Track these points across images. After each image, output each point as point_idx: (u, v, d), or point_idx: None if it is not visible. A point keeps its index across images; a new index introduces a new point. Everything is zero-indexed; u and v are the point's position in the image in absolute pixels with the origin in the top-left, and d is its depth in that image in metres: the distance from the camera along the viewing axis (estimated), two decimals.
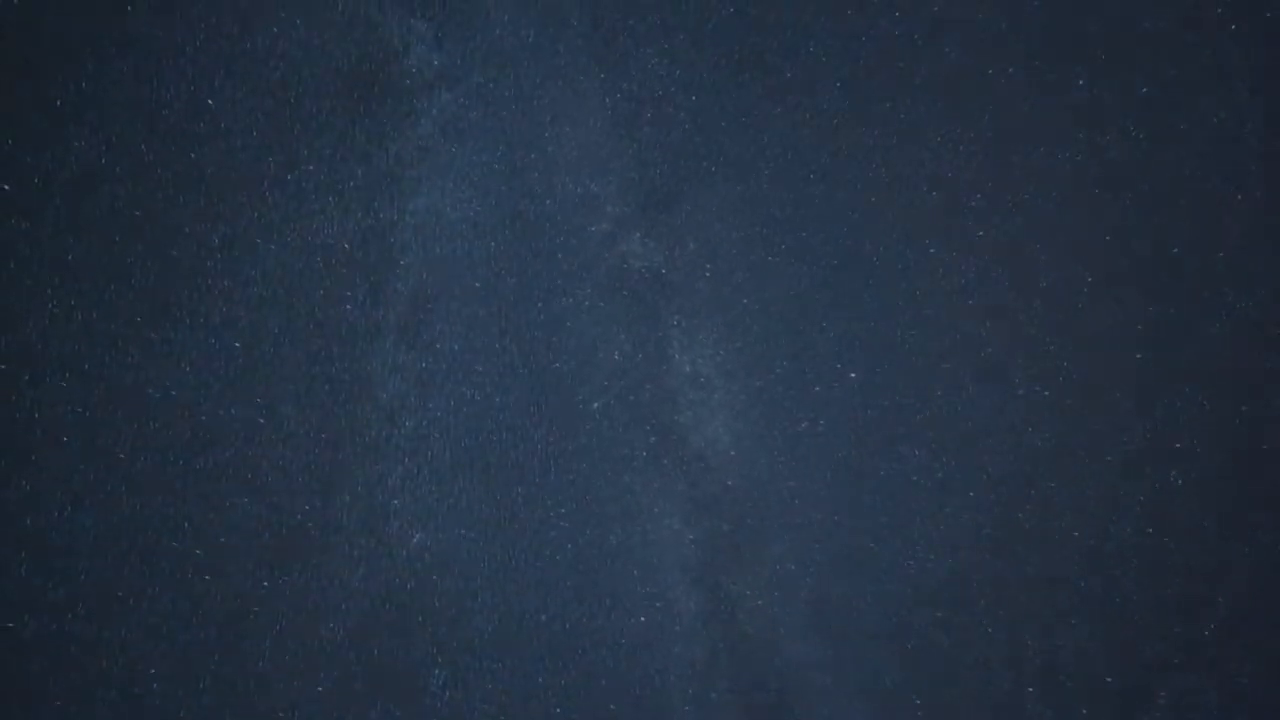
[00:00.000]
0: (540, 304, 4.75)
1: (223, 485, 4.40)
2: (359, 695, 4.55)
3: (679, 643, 5.20)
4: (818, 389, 5.17)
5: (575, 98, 4.65)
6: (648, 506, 5.09)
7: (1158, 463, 5.21)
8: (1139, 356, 5.17)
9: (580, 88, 4.67)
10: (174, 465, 4.38)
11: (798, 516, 5.32)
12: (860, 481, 5.35)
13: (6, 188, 3.40)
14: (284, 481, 4.51)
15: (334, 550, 4.56)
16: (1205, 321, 5.13)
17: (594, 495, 4.96)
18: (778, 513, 5.30)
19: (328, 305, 4.50)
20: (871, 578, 5.36)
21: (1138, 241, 5.20)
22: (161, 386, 4.35)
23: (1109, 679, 5.25)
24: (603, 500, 4.99)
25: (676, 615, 5.20)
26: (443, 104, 4.56)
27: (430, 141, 4.56)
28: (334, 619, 4.57)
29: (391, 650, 4.63)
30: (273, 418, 4.44)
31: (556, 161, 4.69)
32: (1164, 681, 5.28)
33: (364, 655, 4.59)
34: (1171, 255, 5.15)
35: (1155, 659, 5.27)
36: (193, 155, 4.21)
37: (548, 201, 4.69)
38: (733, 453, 5.19)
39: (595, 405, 4.83)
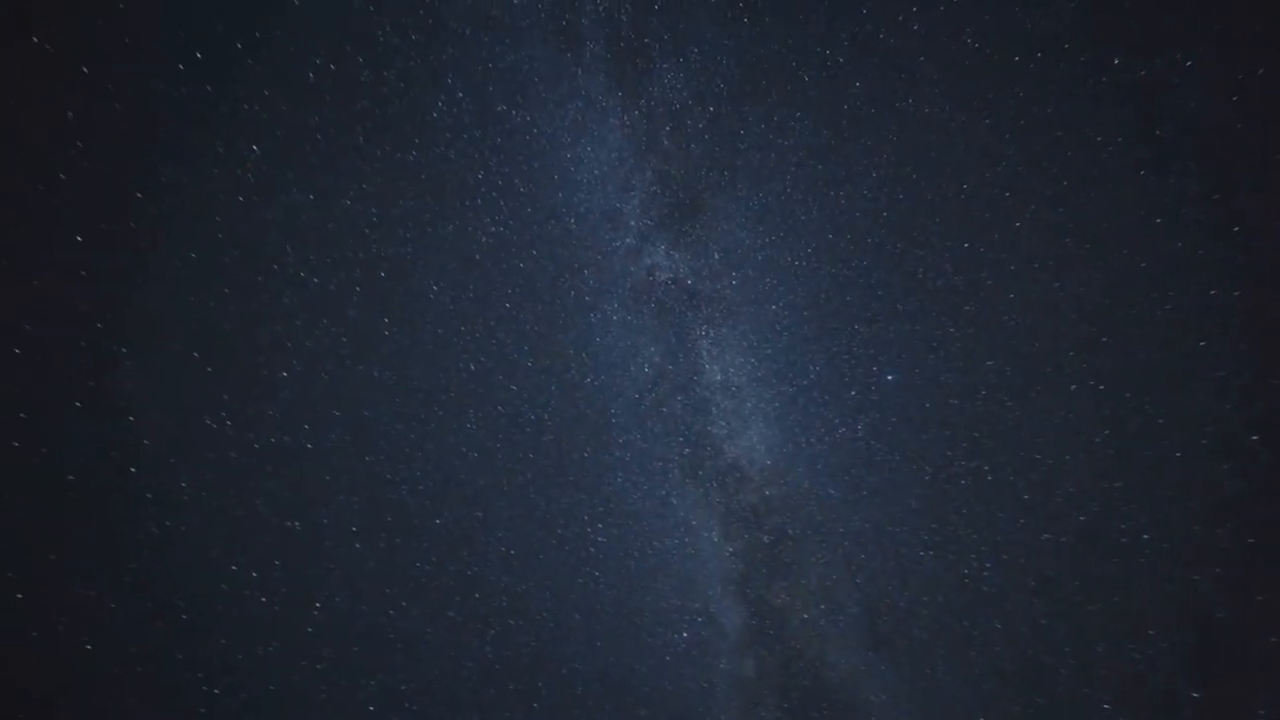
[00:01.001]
0: (569, 320, 4.77)
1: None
2: (406, 702, 4.57)
3: (725, 658, 5.04)
4: (854, 393, 5.00)
5: (595, 116, 4.70)
6: (685, 519, 4.99)
7: (1224, 459, 4.80)
8: (1202, 345, 4.80)
9: (599, 107, 4.72)
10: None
11: (841, 525, 5.11)
12: (906, 487, 5.12)
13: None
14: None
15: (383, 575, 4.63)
16: (1271, 310, 4.74)
17: (631, 509, 4.90)
18: (820, 522, 5.11)
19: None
20: (924, 587, 5.09)
21: (1191, 227, 4.86)
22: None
23: (1194, 693, 4.80)
24: (640, 514, 4.93)
25: (721, 630, 5.05)
26: (466, 129, 4.68)
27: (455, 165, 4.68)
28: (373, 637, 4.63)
29: (429, 667, 4.65)
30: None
31: (578, 180, 4.74)
32: (1254, 695, 4.79)
33: (409, 665, 4.63)
34: (1230, 243, 4.78)
35: (1236, 669, 4.80)
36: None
37: (571, 220, 4.74)
38: (769, 462, 5.05)
39: (628, 419, 4.79)
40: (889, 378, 4.92)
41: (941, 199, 4.97)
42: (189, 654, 4.56)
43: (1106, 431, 4.74)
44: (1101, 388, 4.81)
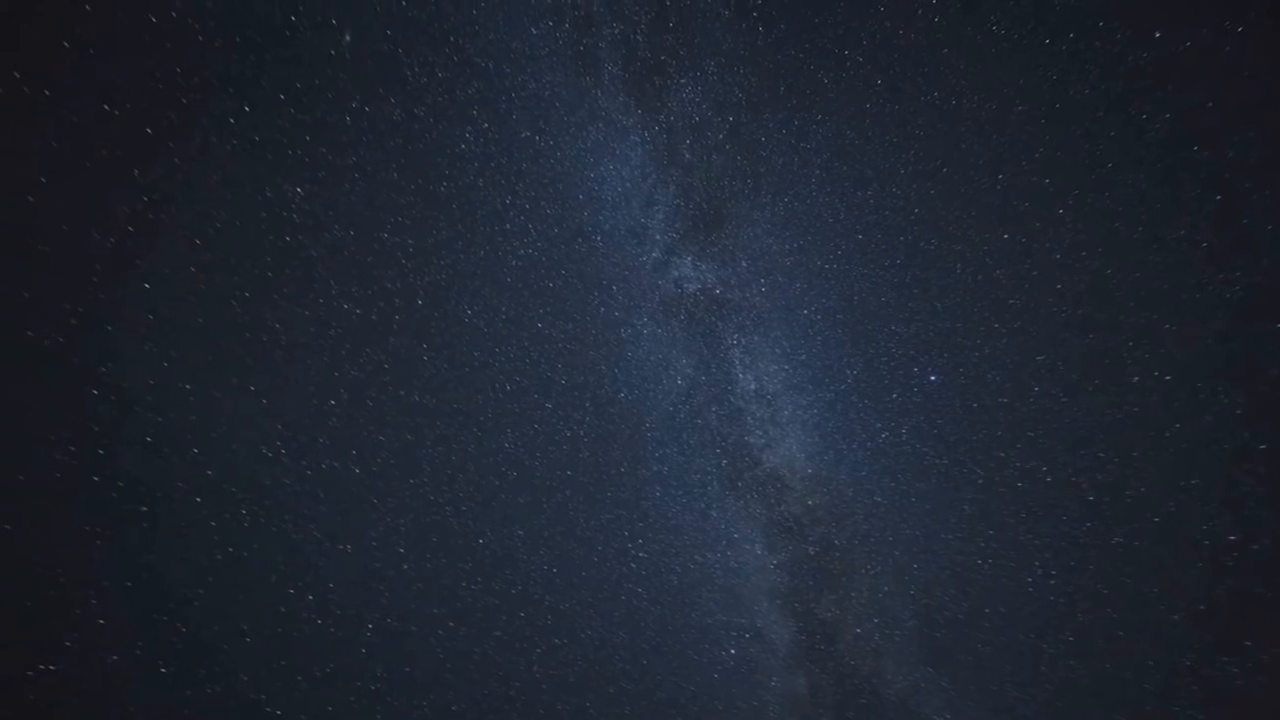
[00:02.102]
0: (600, 336, 4.76)
1: None
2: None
3: (776, 675, 4.83)
4: (895, 396, 4.78)
5: (616, 135, 4.73)
6: (726, 532, 4.85)
7: None
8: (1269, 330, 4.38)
9: (620, 125, 4.75)
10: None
11: (890, 534, 4.86)
12: (957, 492, 4.84)
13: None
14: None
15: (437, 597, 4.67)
16: None
17: (670, 523, 4.80)
18: (866, 532, 4.88)
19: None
20: (985, 597, 4.78)
21: (1256, 202, 4.48)
22: None
23: None
24: (680, 528, 4.82)
25: (770, 646, 4.86)
26: (493, 157, 4.78)
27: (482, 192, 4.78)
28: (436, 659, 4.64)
29: (479, 687, 4.63)
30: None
31: (603, 198, 4.77)
32: None
33: (459, 685, 4.62)
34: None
35: None
36: None
37: (598, 238, 4.75)
38: (810, 470, 4.86)
39: (663, 432, 4.71)
40: (931, 378, 4.69)
41: (976, 191, 4.76)
42: (253, 676, 4.68)
43: (1177, 425, 4.36)
44: (1168, 378, 4.45)
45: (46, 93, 3.79)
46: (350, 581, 4.76)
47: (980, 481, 4.49)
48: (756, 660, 4.51)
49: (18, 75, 3.71)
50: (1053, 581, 4.45)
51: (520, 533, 4.73)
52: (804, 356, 4.60)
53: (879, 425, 4.50)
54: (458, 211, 4.66)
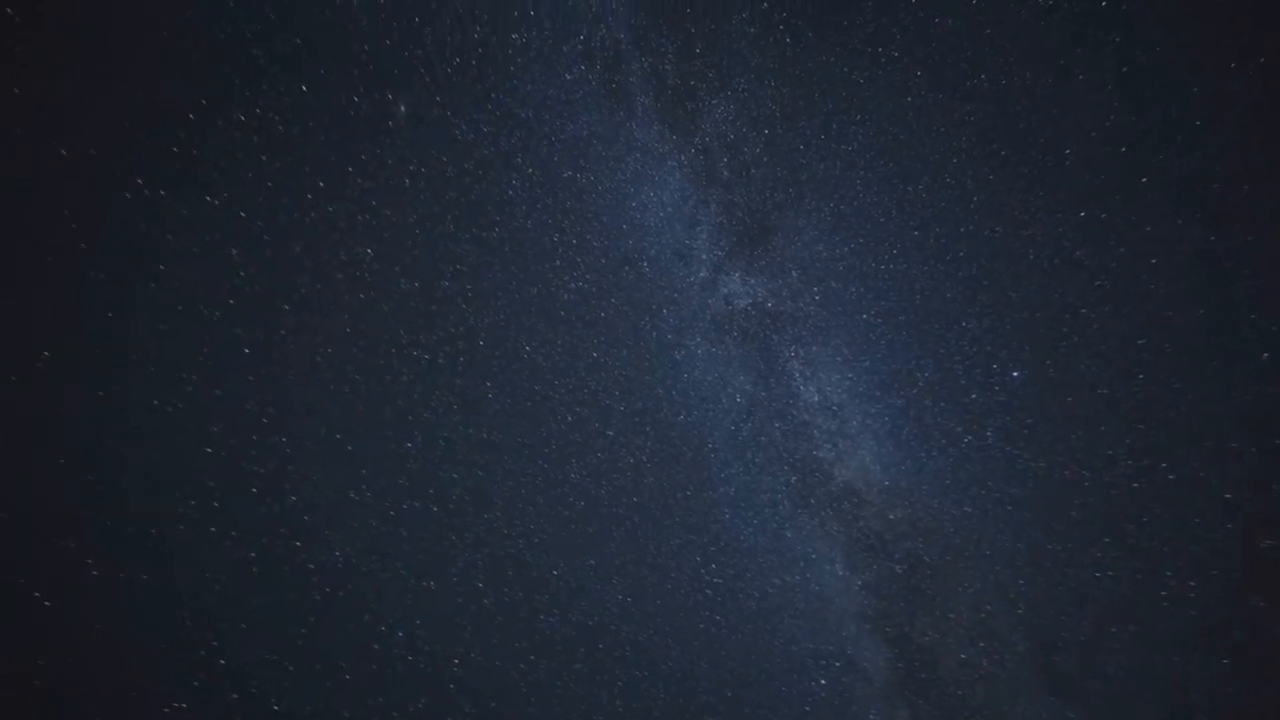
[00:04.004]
0: (655, 361, 4.69)
1: None
2: None
3: (874, 708, 4.41)
4: (974, 396, 4.36)
5: (653, 163, 4.74)
6: (803, 552, 4.54)
7: None
8: None
9: (656, 153, 4.76)
10: None
11: (987, 547, 4.38)
12: (1062, 496, 4.31)
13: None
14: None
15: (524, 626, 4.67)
16: None
17: (742, 546, 4.55)
18: (959, 545, 4.41)
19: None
20: (1111, 615, 4.17)
21: None
22: None
23: None
24: (753, 550, 4.56)
25: (864, 674, 4.44)
26: (539, 199, 4.91)
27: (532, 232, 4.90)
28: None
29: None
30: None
31: (646, 225, 4.76)
32: None
33: (543, 716, 4.53)
34: None
35: None
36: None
37: (644, 264, 4.73)
38: (887, 482, 4.49)
39: (726, 452, 4.53)
40: (1013, 374, 4.25)
41: (1042, 170, 4.36)
42: (353, 714, 4.80)
43: None
44: None
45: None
46: (436, 618, 4.83)
47: (1087, 484, 3.97)
48: (851, 691, 4.12)
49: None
50: (1192, 594, 3.81)
51: (592, 563, 4.64)
52: (868, 363, 4.30)
53: (960, 429, 4.10)
54: (510, 254, 4.79)
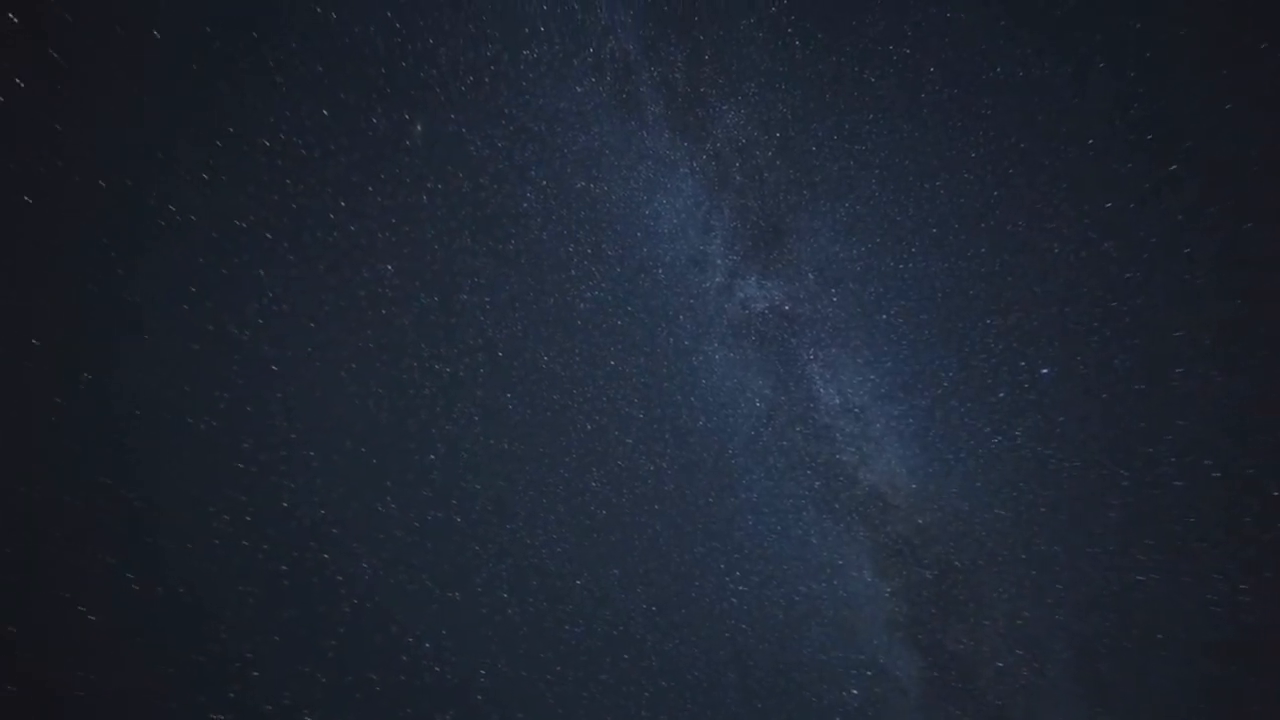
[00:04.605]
0: (672, 367, 4.65)
1: None
2: None
3: (909, 718, 4.25)
4: (1003, 395, 4.22)
5: (665, 170, 4.74)
6: (829, 559, 4.43)
7: None
8: None
9: (668, 161, 4.75)
10: None
11: (1022, 551, 4.21)
12: (1099, 497, 4.13)
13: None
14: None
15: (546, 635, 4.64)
16: None
17: (766, 552, 4.46)
18: (992, 549, 4.26)
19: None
20: (1158, 620, 3.97)
21: None
22: None
23: None
24: (778, 557, 4.47)
25: (897, 684, 4.30)
26: (553, 211, 4.94)
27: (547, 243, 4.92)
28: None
29: None
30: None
31: (660, 232, 4.75)
32: None
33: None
34: None
35: None
36: None
37: (659, 271, 4.71)
38: (914, 485, 4.36)
39: (747, 458, 4.46)
40: (1043, 371, 4.10)
41: (1065, 162, 4.23)
42: None
43: None
44: None
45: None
46: (462, 628, 4.83)
47: (1125, 484, 3.79)
48: (885, 700, 3.99)
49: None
50: (1244, 599, 3.61)
51: (616, 572, 4.60)
52: (889, 364, 4.20)
53: (988, 430, 3.97)
54: (526, 265, 4.81)
